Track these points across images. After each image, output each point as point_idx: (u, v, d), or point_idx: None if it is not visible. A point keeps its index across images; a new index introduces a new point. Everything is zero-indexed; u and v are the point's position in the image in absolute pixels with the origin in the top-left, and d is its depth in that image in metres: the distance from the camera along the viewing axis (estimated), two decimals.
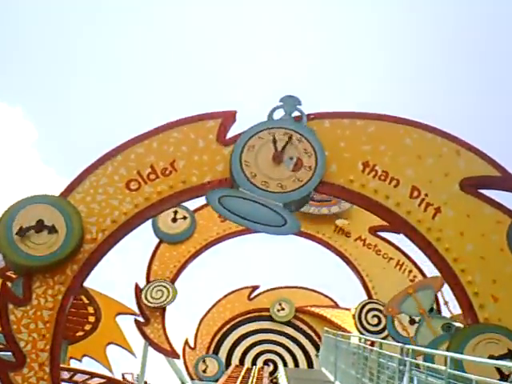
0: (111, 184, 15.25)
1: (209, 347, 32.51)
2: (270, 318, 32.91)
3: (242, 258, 70.01)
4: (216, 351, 32.35)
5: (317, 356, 30.73)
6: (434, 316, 20.37)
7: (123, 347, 30.64)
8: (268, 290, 33.97)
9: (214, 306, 33.70)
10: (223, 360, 31.87)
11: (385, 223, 27.50)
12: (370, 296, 26.74)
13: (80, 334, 21.62)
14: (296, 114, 15.63)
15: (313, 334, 33.01)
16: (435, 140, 15.46)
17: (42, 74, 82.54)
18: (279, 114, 15.75)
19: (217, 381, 26.36)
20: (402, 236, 25.68)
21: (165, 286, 26.02)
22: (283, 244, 59.42)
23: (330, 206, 27.24)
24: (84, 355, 29.28)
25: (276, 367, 30.74)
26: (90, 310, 20.10)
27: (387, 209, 15.29)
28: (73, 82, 79.36)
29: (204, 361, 31.35)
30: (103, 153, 15.45)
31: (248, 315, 33.04)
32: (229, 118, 15.79)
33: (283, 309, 32.89)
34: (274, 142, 15.29)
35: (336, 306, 34.40)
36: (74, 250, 14.59)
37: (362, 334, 26.04)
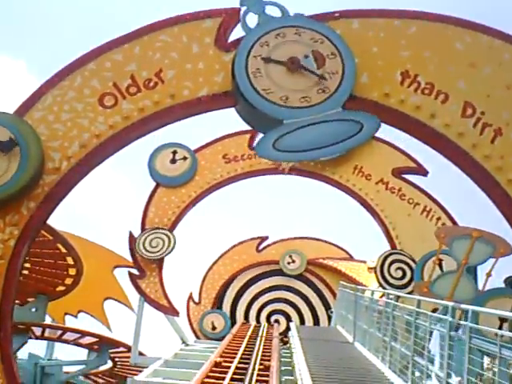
0: (80, 99, 11.74)
1: (215, 302, 29.76)
2: (280, 271, 30.05)
3: (248, 204, 64.62)
4: (222, 306, 29.69)
5: (331, 312, 27.71)
6: (468, 276, 16.92)
7: (122, 302, 27.73)
8: (277, 242, 30.86)
9: (219, 258, 30.68)
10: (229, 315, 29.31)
11: (411, 164, 24.64)
12: (393, 246, 23.22)
13: (61, 288, 18.40)
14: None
15: (325, 289, 30.15)
16: (493, 44, 12.02)
17: (46, 26, 78.00)
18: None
19: (223, 338, 22.95)
20: (429, 178, 22.87)
21: (162, 235, 22.50)
22: (294, 189, 56.74)
23: None
24: (80, 311, 26.45)
25: (284, 324, 28.47)
26: (70, 260, 16.89)
27: (432, 130, 11.63)
28: (77, 36, 74.82)
29: (209, 316, 28.69)
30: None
31: (256, 268, 30.15)
32: (231, 16, 12.11)
33: (294, 261, 29.94)
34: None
35: (351, 258, 31.44)
36: (31, 182, 11.29)
37: (384, 288, 22.51)
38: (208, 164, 23.93)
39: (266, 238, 30.84)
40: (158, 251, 22.43)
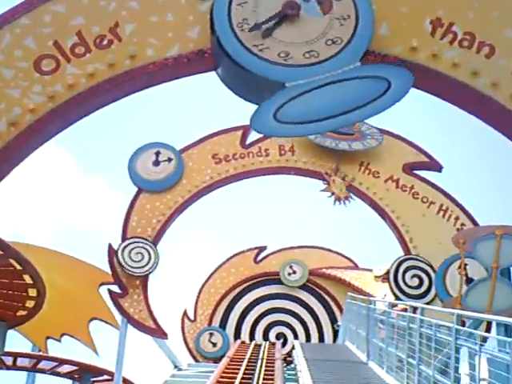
0: (9, 63, 8.55)
1: (211, 319, 27.19)
2: (281, 283, 27.45)
3: (243, 210, 55.81)
4: (220, 323, 27.21)
5: (337, 326, 25.07)
6: (504, 281, 14.25)
7: (108, 323, 24.47)
8: (277, 251, 28.26)
9: (215, 271, 28.10)
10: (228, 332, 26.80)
11: (423, 158, 21.63)
12: (407, 251, 20.20)
13: (22, 313, 15.34)
14: None
15: (329, 300, 27.55)
16: None
17: None
18: None
19: (222, 357, 19.83)
20: (444, 174, 19.92)
21: (146, 246, 19.35)
22: (293, 193, 48.90)
23: (350, 140, 20.59)
24: (63, 334, 23.19)
25: (286, 340, 26.23)
26: (28, 279, 13.89)
27: (475, 92, 8.49)
28: None
29: (206, 335, 26.33)
30: None
31: (255, 280, 27.57)
32: None
33: (295, 272, 27.47)
34: None
35: (356, 267, 28.72)
36: None
37: (397, 299, 19.51)
38: (196, 165, 20.76)
39: (265, 248, 28.32)
40: (143, 266, 19.29)
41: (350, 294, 21.03)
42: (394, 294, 19.78)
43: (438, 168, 20.68)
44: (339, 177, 20.51)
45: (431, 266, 19.37)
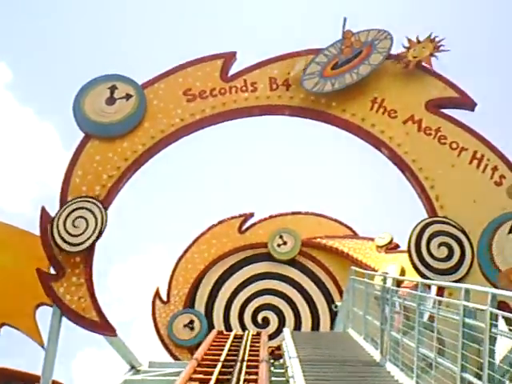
0: None
1: (187, 300, 24.05)
2: (269, 256, 24.60)
3: (224, 165, 42.28)
4: (199, 305, 24.10)
5: (335, 307, 21.65)
6: None
7: None
8: (265, 219, 25.36)
9: (193, 243, 24.79)
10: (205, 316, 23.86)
11: (452, 93, 16.64)
12: (433, 211, 15.25)
13: None
14: None
15: (325, 278, 24.63)
16: None
17: None
18: None
19: (200, 344, 16.28)
20: (478, 114, 15.54)
21: (91, 208, 14.08)
22: (286, 141, 40.16)
23: (353, 67, 15.66)
24: (3, 324, 18.30)
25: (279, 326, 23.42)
26: None
27: None
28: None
29: (180, 318, 23.35)
30: None
31: (239, 253, 24.65)
32: None
33: (285, 243, 24.75)
34: None
35: (355, 235, 25.29)
36: None
37: (422, 275, 14.78)
38: (162, 104, 15.65)
39: (251, 215, 25.46)
40: (83, 242, 14.16)
41: (353, 268, 17.17)
42: (417, 268, 14.96)
43: (471, 105, 15.83)
44: None
45: (464, 232, 14.93)
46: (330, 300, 23.93)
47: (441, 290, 13.78)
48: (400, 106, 15.61)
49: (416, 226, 15.25)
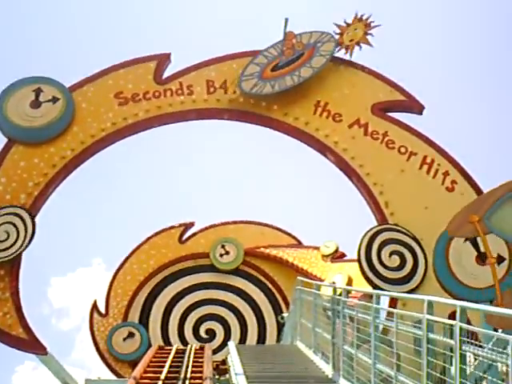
0: None
1: (127, 312, 23.37)
2: (211, 267, 24.06)
3: (160, 172, 39.97)
4: (139, 318, 23.47)
5: (282, 319, 21.20)
6: None
7: None
8: (206, 228, 24.75)
9: (131, 254, 24.08)
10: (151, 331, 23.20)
11: (399, 96, 16.07)
12: (382, 219, 15.02)
13: None
14: None
15: (271, 287, 24.13)
16: None
17: None
18: None
19: (140, 359, 15.26)
20: (426, 117, 15.17)
21: (14, 217, 13.15)
22: (226, 147, 37.34)
23: (295, 69, 15.11)
24: None
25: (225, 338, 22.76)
26: None
27: None
28: None
29: (120, 332, 22.65)
30: None
31: (180, 263, 24.02)
32: None
33: (227, 252, 24.18)
34: None
35: (299, 244, 24.81)
36: None
37: (373, 285, 14.37)
38: (92, 107, 15.56)
39: (192, 224, 24.80)
40: (7, 248, 13.22)
41: (300, 278, 16.74)
42: (368, 278, 14.39)
43: (418, 109, 15.56)
44: None
45: (416, 240, 14.69)
46: (277, 310, 23.55)
47: (393, 301, 13.26)
48: (345, 110, 15.35)
49: (365, 234, 14.90)
